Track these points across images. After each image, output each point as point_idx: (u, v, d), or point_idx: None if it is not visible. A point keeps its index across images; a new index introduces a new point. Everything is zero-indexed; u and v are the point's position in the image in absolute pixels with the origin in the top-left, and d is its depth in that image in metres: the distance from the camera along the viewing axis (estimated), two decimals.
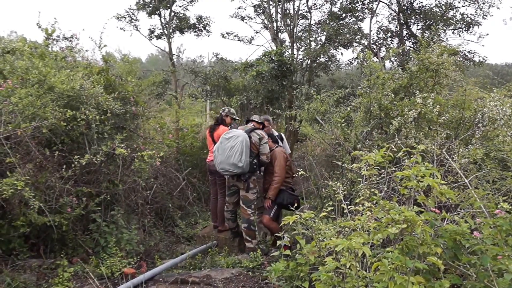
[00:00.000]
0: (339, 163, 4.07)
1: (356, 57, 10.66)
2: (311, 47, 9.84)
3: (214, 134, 5.00)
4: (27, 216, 3.39)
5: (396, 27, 10.75)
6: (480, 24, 9.77)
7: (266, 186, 4.66)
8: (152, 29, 11.23)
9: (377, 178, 3.09)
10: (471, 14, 10.14)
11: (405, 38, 10.53)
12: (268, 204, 4.51)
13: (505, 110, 3.58)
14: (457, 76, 4.47)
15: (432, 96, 3.93)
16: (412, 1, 10.27)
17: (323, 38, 10.09)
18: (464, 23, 9.78)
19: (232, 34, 11.32)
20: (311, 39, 10.18)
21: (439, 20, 9.64)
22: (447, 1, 9.81)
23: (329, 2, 10.46)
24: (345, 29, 9.99)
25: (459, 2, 9.85)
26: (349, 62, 11.80)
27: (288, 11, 10.56)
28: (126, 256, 3.91)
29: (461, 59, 9.25)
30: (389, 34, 10.91)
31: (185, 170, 6.92)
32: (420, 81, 4.33)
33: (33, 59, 4.21)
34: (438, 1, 9.95)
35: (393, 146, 2.73)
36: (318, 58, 10.02)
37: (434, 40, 4.75)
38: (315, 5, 10.83)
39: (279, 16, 10.44)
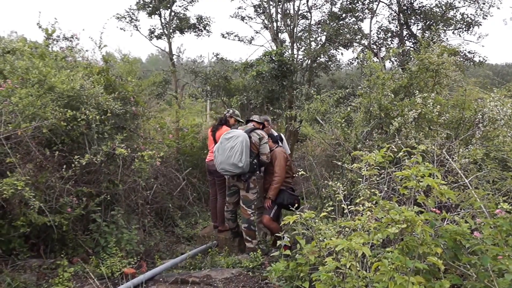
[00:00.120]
0: (339, 163, 4.06)
1: (356, 57, 10.66)
2: (311, 47, 9.84)
3: (216, 134, 4.99)
4: (27, 216, 3.39)
5: (396, 27, 10.75)
6: (480, 24, 9.78)
7: (266, 186, 4.67)
8: (152, 29, 11.24)
9: (377, 178, 3.09)
10: (471, 14, 10.15)
11: (405, 38, 10.53)
12: (268, 204, 4.51)
13: (505, 110, 3.58)
14: (457, 76, 4.47)
15: (432, 96, 3.92)
16: (412, 1, 10.27)
17: (323, 38, 10.10)
18: (464, 23, 9.78)
19: (232, 34, 11.33)
20: (311, 39, 10.18)
21: (439, 20, 9.64)
22: (447, 1, 9.81)
23: (329, 2, 10.46)
24: (345, 29, 9.99)
25: (459, 2, 9.86)
26: (349, 62, 11.81)
27: (288, 11, 10.56)
28: (126, 256, 3.91)
29: (461, 59, 9.24)
30: (389, 34, 10.91)
31: (185, 170, 6.92)
32: (420, 81, 4.33)
33: (33, 59, 4.21)
34: (438, 1, 9.96)
35: (393, 146, 2.73)
36: (318, 58, 10.03)
37: (434, 40, 4.75)
38: (315, 5, 10.85)
39: (279, 16, 10.44)
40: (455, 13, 9.97)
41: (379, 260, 2.02)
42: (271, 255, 4.09)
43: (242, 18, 11.25)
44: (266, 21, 10.84)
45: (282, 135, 5.26)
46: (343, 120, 4.45)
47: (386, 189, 3.17)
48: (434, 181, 2.06)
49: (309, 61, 9.93)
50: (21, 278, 3.26)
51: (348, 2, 10.14)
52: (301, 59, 10.01)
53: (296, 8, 10.39)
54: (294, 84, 8.56)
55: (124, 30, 11.11)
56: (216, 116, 9.75)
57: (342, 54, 16.33)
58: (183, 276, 3.62)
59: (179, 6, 11.12)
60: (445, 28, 9.75)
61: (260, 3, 10.85)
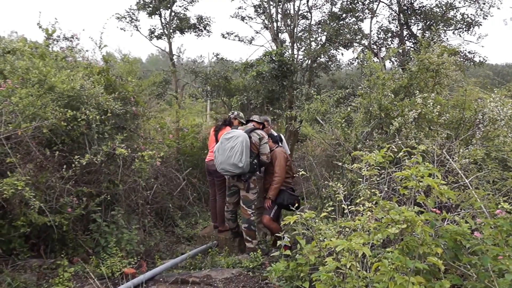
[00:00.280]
0: (340, 163, 4.07)
1: (357, 57, 10.65)
2: (312, 47, 9.84)
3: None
4: (28, 216, 3.39)
5: (397, 27, 10.75)
6: (481, 24, 9.77)
7: (266, 186, 4.67)
8: (153, 29, 11.24)
9: (378, 179, 3.09)
10: (471, 14, 10.12)
11: (406, 38, 10.53)
12: (268, 204, 4.51)
13: (505, 110, 3.58)
14: (457, 76, 4.46)
15: (433, 96, 3.92)
16: (412, 1, 10.27)
17: (324, 38, 10.09)
18: (465, 23, 9.77)
19: (232, 34, 11.32)
20: (311, 39, 10.17)
21: (439, 20, 9.63)
22: (448, 1, 9.80)
23: (330, 2, 10.46)
24: (346, 29, 9.98)
25: (460, 2, 9.85)
26: (349, 63, 11.80)
27: (288, 11, 10.56)
28: (126, 256, 3.91)
29: (462, 59, 9.24)
30: (390, 34, 10.90)
31: (185, 170, 6.93)
32: (420, 81, 4.33)
33: (33, 59, 4.22)
34: (439, 1, 9.96)
35: (393, 147, 2.73)
36: (319, 58, 10.02)
37: (435, 40, 4.75)
38: (315, 5, 10.84)
39: (279, 16, 10.44)
40: (455, 13, 9.97)
41: (379, 260, 2.02)
42: (271, 255, 4.09)
43: (242, 18, 11.25)
44: (266, 21, 10.83)
45: (282, 136, 5.26)
46: (343, 120, 4.45)
47: (386, 189, 3.17)
48: (434, 181, 2.06)
49: (309, 61, 9.93)
50: (21, 278, 3.26)
51: (348, 2, 10.14)
52: (301, 59, 10.01)
53: (296, 8, 10.40)
54: (294, 84, 8.56)
55: (124, 30, 11.11)
56: (216, 116, 9.76)
57: (342, 54, 16.37)
58: (183, 276, 3.62)
59: (179, 6, 11.13)
60: (445, 28, 9.74)
61: (260, 3, 10.85)
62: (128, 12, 10.90)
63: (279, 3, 10.22)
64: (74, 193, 3.88)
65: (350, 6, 10.06)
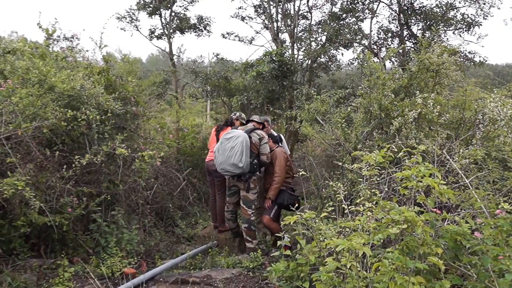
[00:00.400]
0: (340, 164, 4.07)
1: (357, 58, 10.65)
2: (312, 48, 9.83)
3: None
4: (28, 216, 3.39)
5: (397, 27, 10.74)
6: (481, 25, 9.76)
7: (266, 186, 4.67)
8: (153, 29, 11.23)
9: (378, 179, 3.09)
10: (471, 14, 10.10)
11: (406, 39, 10.52)
12: (269, 204, 4.51)
13: (505, 110, 3.57)
14: (457, 76, 4.46)
15: (433, 96, 3.93)
16: (412, 1, 10.26)
17: (324, 38, 10.08)
18: (465, 24, 9.76)
19: (232, 34, 11.32)
20: (311, 39, 10.17)
21: (439, 21, 9.63)
22: (448, 1, 9.80)
23: (330, 2, 10.45)
24: (346, 30, 9.98)
25: (460, 3, 9.84)
26: (349, 63, 11.79)
27: (288, 12, 10.56)
28: (126, 256, 3.91)
29: (462, 59, 9.23)
30: (390, 35, 10.89)
31: (185, 170, 6.93)
32: (420, 81, 4.33)
33: (33, 59, 4.22)
34: (439, 1, 9.95)
35: (393, 147, 2.73)
36: (319, 58, 10.02)
37: (435, 40, 4.75)
38: (315, 6, 10.83)
39: (279, 16, 10.44)
40: (455, 13, 9.96)
41: (380, 260, 2.02)
42: (272, 255, 4.10)
43: (243, 18, 11.25)
44: (266, 21, 10.83)
45: (282, 136, 5.26)
46: (343, 120, 4.45)
47: (386, 189, 3.17)
48: (435, 181, 2.06)
49: (310, 61, 9.92)
50: (21, 278, 3.26)
51: (348, 2, 10.13)
52: (301, 59, 10.00)
53: (296, 8, 10.39)
54: (295, 84, 8.56)
55: (125, 30, 11.11)
56: (216, 116, 9.76)
57: (342, 54, 16.34)
58: (184, 276, 3.62)
59: (180, 6, 11.13)
60: (445, 29, 9.74)
61: (261, 3, 10.85)
62: (128, 12, 10.90)
63: (279, 3, 10.22)
64: (74, 193, 3.88)
65: (350, 6, 10.06)
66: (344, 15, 10.23)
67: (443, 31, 9.57)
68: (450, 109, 4.12)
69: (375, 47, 10.55)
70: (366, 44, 10.44)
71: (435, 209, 2.29)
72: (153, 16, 10.91)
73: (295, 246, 2.97)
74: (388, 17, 10.92)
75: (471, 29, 9.83)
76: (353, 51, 12.10)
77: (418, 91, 4.04)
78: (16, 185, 3.16)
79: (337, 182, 3.01)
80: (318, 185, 5.45)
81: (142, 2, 10.71)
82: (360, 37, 10.33)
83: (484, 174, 3.25)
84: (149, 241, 4.76)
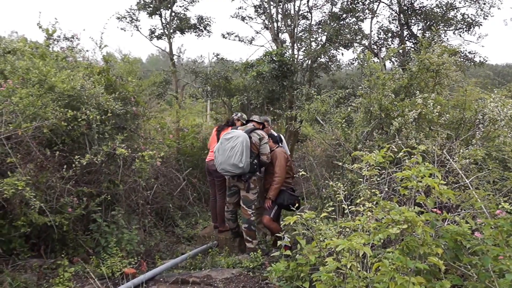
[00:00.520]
0: (340, 164, 4.07)
1: (357, 58, 10.65)
2: (312, 48, 9.83)
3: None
4: (28, 216, 3.39)
5: (397, 27, 10.74)
6: (481, 25, 9.76)
7: (266, 187, 4.67)
8: (153, 29, 11.24)
9: (378, 179, 3.09)
10: (471, 14, 10.09)
11: (406, 39, 10.52)
12: (269, 204, 4.51)
13: (505, 110, 3.58)
14: (457, 76, 4.46)
15: (433, 96, 3.92)
16: (412, 1, 10.26)
17: (324, 38, 10.08)
18: (465, 24, 9.76)
19: (232, 34, 11.32)
20: (311, 39, 10.17)
21: (439, 21, 9.63)
22: (448, 2, 9.80)
23: (330, 3, 10.45)
24: (346, 30, 9.97)
25: (460, 3, 9.84)
26: (349, 63, 11.79)
27: (288, 12, 10.56)
28: (126, 256, 3.91)
29: (462, 59, 9.23)
30: (390, 35, 10.89)
31: (185, 170, 6.93)
32: (420, 82, 4.33)
33: (34, 59, 4.22)
34: (439, 2, 9.95)
35: (393, 147, 2.73)
36: (319, 58, 10.01)
37: (435, 40, 4.75)
38: (315, 6, 10.84)
39: (279, 16, 10.44)
40: (455, 14, 9.96)
41: (380, 260, 2.02)
42: (272, 255, 4.10)
43: (243, 18, 11.25)
44: (266, 21, 10.83)
45: (282, 136, 5.26)
46: (344, 120, 4.45)
47: (386, 189, 3.17)
48: (435, 181, 2.06)
49: (310, 61, 9.92)
50: (21, 278, 3.26)
51: (348, 3, 10.13)
52: (301, 59, 10.00)
53: (296, 9, 10.39)
54: (295, 84, 8.56)
55: (125, 30, 11.11)
56: (216, 116, 9.76)
57: (342, 54, 16.33)
58: (184, 276, 3.62)
59: (180, 6, 11.13)
60: (445, 29, 9.74)
61: (261, 3, 10.85)
62: (129, 12, 10.91)
63: (280, 3, 10.22)
64: (75, 193, 3.88)
65: (351, 6, 10.06)
66: (344, 15, 10.23)
67: (443, 31, 9.57)
68: (450, 109, 4.12)
69: (375, 47, 10.56)
70: (366, 44, 10.44)
71: (435, 209, 2.29)
72: (153, 16, 10.91)
73: (295, 246, 2.97)
74: (388, 17, 10.92)
75: (471, 29, 9.83)
76: (353, 51, 12.10)
77: (418, 91, 4.04)
78: (16, 185, 3.16)
79: (337, 182, 3.01)
80: (318, 185, 5.45)
81: (142, 2, 10.71)
82: (360, 37, 10.33)
83: (484, 174, 3.25)
84: (149, 241, 4.76)
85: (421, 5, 10.18)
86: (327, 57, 10.39)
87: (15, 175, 3.28)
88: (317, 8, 10.84)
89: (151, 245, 4.64)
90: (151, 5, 10.70)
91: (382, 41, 11.00)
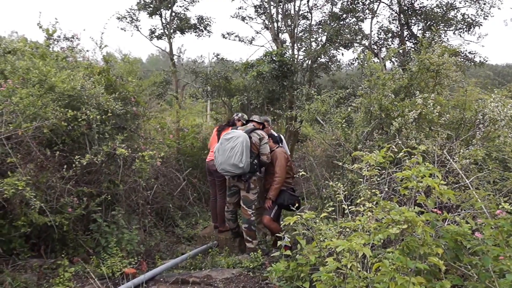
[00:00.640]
0: (340, 164, 4.07)
1: (357, 58, 10.65)
2: (312, 48, 9.83)
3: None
4: (28, 216, 3.39)
5: (397, 27, 10.74)
6: (481, 25, 9.76)
7: (266, 187, 4.66)
8: (153, 29, 11.23)
9: (378, 179, 3.09)
10: (472, 14, 10.09)
11: (406, 39, 10.52)
12: (269, 204, 4.51)
13: (506, 111, 3.58)
14: (457, 76, 4.46)
15: (433, 96, 3.93)
16: (413, 1, 10.26)
17: (324, 38, 10.08)
18: (465, 24, 9.76)
19: (232, 34, 11.31)
20: (311, 39, 10.17)
21: (440, 21, 9.62)
22: (448, 2, 9.80)
23: (330, 3, 10.45)
24: (346, 30, 9.97)
25: (460, 3, 9.84)
26: (349, 63, 11.79)
27: (289, 12, 10.56)
28: (126, 256, 3.91)
29: (462, 59, 9.23)
30: (390, 35, 10.89)
31: (185, 170, 6.93)
32: (420, 82, 4.33)
33: (34, 59, 4.22)
34: (439, 2, 9.95)
35: (393, 147, 2.73)
36: (319, 58, 10.01)
37: (435, 40, 4.75)
38: (316, 6, 10.83)
39: (279, 16, 10.43)
40: (455, 14, 9.96)
41: (380, 260, 2.02)
42: (272, 255, 4.10)
43: (243, 19, 11.24)
44: (266, 22, 10.83)
45: (282, 136, 5.26)
46: (344, 120, 4.45)
47: (386, 189, 3.17)
48: (435, 181, 2.06)
49: (310, 62, 9.92)
50: (21, 278, 3.26)
51: (348, 3, 10.14)
52: (301, 59, 10.00)
53: (296, 9, 10.39)
54: (295, 84, 8.56)
55: (125, 30, 11.09)
56: (216, 116, 9.76)
57: (342, 54, 16.29)
58: (184, 276, 3.62)
59: (180, 7, 11.12)
60: (445, 29, 9.74)
61: (261, 3, 10.85)
62: (129, 12, 10.90)
63: (280, 3, 10.22)
64: (75, 193, 3.88)
65: (351, 7, 10.06)
66: (345, 15, 10.23)
67: (444, 31, 9.57)
68: (450, 110, 4.13)
69: (375, 47, 10.56)
70: (367, 44, 10.44)
71: (435, 209, 2.29)
72: (153, 16, 10.90)
73: (295, 246, 2.97)
74: (389, 17, 10.92)
75: (471, 29, 9.83)
76: (353, 51, 12.11)
77: (418, 92, 4.04)
78: (16, 185, 3.16)
79: (337, 182, 3.01)
80: (318, 185, 5.45)
81: (142, 2, 10.71)
82: (360, 37, 10.33)
83: (485, 175, 3.25)
84: (149, 241, 4.76)
85: (421, 5, 10.19)
86: (327, 57, 10.39)
87: (15, 175, 3.28)
88: (317, 8, 10.84)
89: (151, 245, 4.64)
90: (151, 5, 10.70)
91: (382, 41, 11.00)
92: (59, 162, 3.86)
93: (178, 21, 11.05)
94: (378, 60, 8.90)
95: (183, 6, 11.10)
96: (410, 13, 10.19)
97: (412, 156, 2.35)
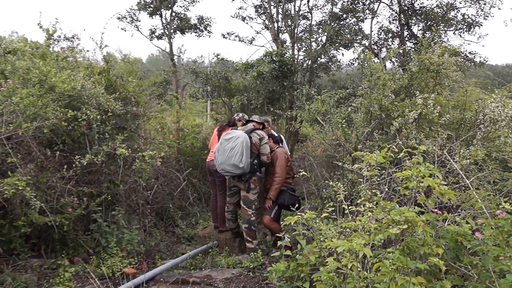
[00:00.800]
0: (340, 164, 4.07)
1: (357, 58, 10.65)
2: (312, 48, 9.83)
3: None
4: (28, 216, 3.39)
5: (397, 27, 10.74)
6: (481, 25, 9.76)
7: (267, 187, 4.67)
8: (153, 30, 11.23)
9: (378, 179, 3.09)
10: (472, 14, 10.09)
11: (406, 39, 10.52)
12: (269, 204, 4.51)
13: (506, 111, 3.58)
14: (458, 76, 4.47)
15: (433, 97, 3.93)
16: (413, 1, 10.26)
17: (324, 38, 10.08)
18: (465, 24, 9.77)
19: (233, 34, 11.31)
20: (312, 39, 10.17)
21: (440, 21, 9.63)
22: (448, 2, 9.80)
23: (330, 3, 10.45)
24: (346, 30, 9.97)
25: (460, 3, 9.85)
26: (350, 63, 11.78)
27: (289, 12, 10.56)
28: (127, 256, 3.91)
29: (462, 59, 9.23)
30: (390, 35, 10.89)
31: (185, 171, 6.93)
32: (421, 82, 4.33)
33: (34, 59, 4.22)
34: (439, 2, 9.95)
35: (394, 147, 2.73)
36: (319, 58, 10.01)
37: (435, 40, 4.75)
38: (316, 6, 10.84)
39: (280, 16, 10.43)
40: (456, 14, 9.96)
41: (380, 260, 2.02)
42: (272, 255, 4.10)
43: (243, 19, 11.25)
44: (266, 22, 10.83)
45: (282, 136, 5.26)
46: (344, 120, 4.45)
47: (386, 189, 3.17)
48: (435, 181, 2.06)
49: (310, 62, 9.92)
50: (22, 278, 3.26)
51: (349, 3, 10.14)
52: (301, 59, 10.00)
53: (297, 9, 10.39)
54: (295, 84, 8.55)
55: (125, 30, 11.09)
56: (216, 116, 9.76)
57: (342, 54, 16.27)
58: (184, 276, 3.62)
59: (180, 7, 11.12)
60: (446, 29, 9.74)
61: (261, 3, 10.86)
62: (129, 12, 10.90)
63: (280, 4, 10.22)
64: (75, 193, 3.88)
65: (351, 7, 10.06)
66: (345, 16, 10.23)
67: (444, 32, 9.57)
68: (450, 110, 4.13)
69: (375, 47, 10.56)
70: (367, 44, 10.44)
71: (435, 210, 2.29)
72: (153, 16, 10.90)
73: (295, 246, 2.97)
74: (389, 17, 10.92)
75: (471, 30, 9.84)
76: (353, 52, 12.11)
77: (418, 92, 4.04)
78: (16, 185, 3.17)
79: (337, 183, 3.01)
80: (318, 186, 5.45)
81: (142, 2, 10.71)
82: (360, 37, 10.33)
83: (485, 175, 3.24)
84: (149, 241, 4.76)
85: (421, 5, 10.19)
86: (327, 57, 10.39)
87: (15, 175, 3.28)
88: (318, 8, 10.84)
89: (151, 245, 4.64)
90: (152, 5, 10.70)
91: (383, 41, 11.00)
92: (59, 162, 3.86)
93: (178, 21, 11.05)
94: (378, 60, 8.90)
95: (183, 6, 11.11)
96: (410, 13, 10.19)
97: (413, 156, 2.35)
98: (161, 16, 10.96)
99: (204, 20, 11.29)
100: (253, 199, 4.55)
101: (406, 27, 10.42)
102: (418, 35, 9.78)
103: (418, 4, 10.23)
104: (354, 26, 10.26)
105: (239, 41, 11.49)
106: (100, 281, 3.35)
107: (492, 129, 3.68)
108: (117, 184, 4.39)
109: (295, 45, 10.23)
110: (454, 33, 10.01)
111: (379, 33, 11.00)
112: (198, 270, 3.99)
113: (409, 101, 4.06)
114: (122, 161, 4.29)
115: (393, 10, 10.69)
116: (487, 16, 9.69)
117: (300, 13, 10.48)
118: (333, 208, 2.94)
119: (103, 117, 4.23)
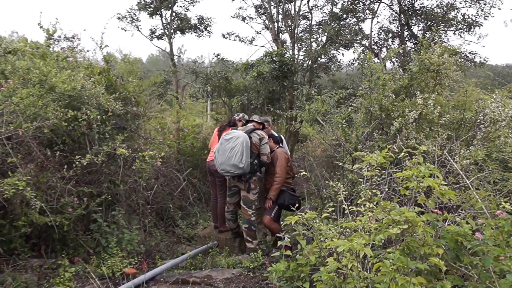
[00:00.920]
0: (340, 164, 4.07)
1: (357, 58, 10.65)
2: (312, 48, 9.83)
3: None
4: (29, 216, 3.39)
5: (397, 27, 10.74)
6: (481, 25, 9.76)
7: (267, 187, 4.67)
8: (153, 30, 11.23)
9: (378, 179, 3.09)
10: (472, 14, 10.10)
11: (406, 39, 10.52)
12: (269, 204, 4.51)
13: (506, 111, 3.58)
14: (458, 77, 4.47)
15: (433, 97, 3.93)
16: (413, 1, 10.26)
17: (324, 38, 10.08)
18: (465, 24, 9.77)
19: (233, 34, 11.32)
20: (312, 39, 10.17)
21: (440, 21, 9.63)
22: (448, 2, 9.81)
23: (330, 3, 10.46)
24: (346, 30, 9.98)
25: (460, 3, 9.85)
26: (350, 63, 11.79)
27: (289, 12, 10.56)
28: (127, 256, 3.91)
29: (462, 59, 9.22)
30: (390, 35, 10.90)
31: (185, 171, 6.93)
32: (421, 82, 4.33)
33: (34, 59, 4.23)
34: (440, 2, 9.96)
35: (394, 147, 2.73)
36: (319, 58, 10.01)
37: (435, 40, 4.75)
38: (316, 6, 10.84)
39: (280, 16, 10.44)
40: (456, 14, 9.96)
41: (381, 260, 2.02)
42: (272, 255, 4.10)
43: (243, 19, 11.25)
44: (267, 22, 10.83)
45: (282, 136, 5.26)
46: (344, 120, 4.45)
47: (387, 189, 3.17)
48: (435, 182, 2.06)
49: (310, 62, 9.92)
50: (22, 278, 3.26)
51: (349, 3, 10.14)
52: (302, 59, 10.00)
53: (297, 9, 10.39)
54: (295, 84, 8.55)
55: (125, 30, 11.09)
56: (217, 116, 9.76)
57: (343, 54, 16.25)
58: (184, 276, 3.62)
59: (180, 7, 11.12)
60: (446, 29, 9.74)
61: (261, 3, 10.86)
62: (129, 12, 10.90)
63: (280, 4, 10.23)
64: (75, 193, 3.88)
65: (351, 7, 10.06)
66: (345, 16, 10.23)
67: (444, 32, 9.58)
68: (450, 110, 4.13)
69: (375, 47, 10.56)
70: (367, 44, 10.44)
71: (436, 210, 2.29)
72: (153, 16, 10.91)
73: (295, 246, 2.97)
74: (389, 17, 10.93)
75: (471, 30, 9.84)
76: (353, 52, 12.12)
77: (418, 92, 4.04)
78: (17, 185, 3.17)
79: (337, 183, 3.01)
80: (318, 186, 5.45)
81: (143, 2, 10.71)
82: (360, 37, 10.33)
83: (485, 175, 3.25)
84: (149, 241, 4.76)
85: (421, 6, 10.19)
86: (327, 58, 10.39)
87: (15, 175, 3.28)
88: (318, 9, 10.85)
89: (151, 245, 4.64)
90: (152, 5, 10.70)
91: (383, 41, 11.01)
92: (60, 162, 3.86)
93: (179, 21, 11.05)
94: (378, 61, 8.90)
95: (183, 6, 11.11)
96: (410, 13, 10.19)
97: (413, 157, 2.35)
98: (161, 16, 10.96)
99: (204, 20, 11.29)
100: (253, 199, 4.55)
101: (406, 27, 10.43)
102: (418, 35, 9.78)
103: (418, 4, 10.24)
104: (354, 26, 10.27)
105: (239, 41, 11.50)
106: (100, 281, 3.35)
107: (492, 129, 3.68)
108: (117, 184, 4.39)
109: (295, 45, 10.23)
110: (454, 33, 10.02)
111: (379, 33, 11.01)
112: (198, 270, 3.99)
113: (409, 101, 4.06)
114: (122, 161, 4.29)
115: (393, 10, 10.70)
116: (487, 16, 9.70)
117: (300, 13, 10.48)
118: (333, 208, 2.94)
119: (103, 117, 4.23)
